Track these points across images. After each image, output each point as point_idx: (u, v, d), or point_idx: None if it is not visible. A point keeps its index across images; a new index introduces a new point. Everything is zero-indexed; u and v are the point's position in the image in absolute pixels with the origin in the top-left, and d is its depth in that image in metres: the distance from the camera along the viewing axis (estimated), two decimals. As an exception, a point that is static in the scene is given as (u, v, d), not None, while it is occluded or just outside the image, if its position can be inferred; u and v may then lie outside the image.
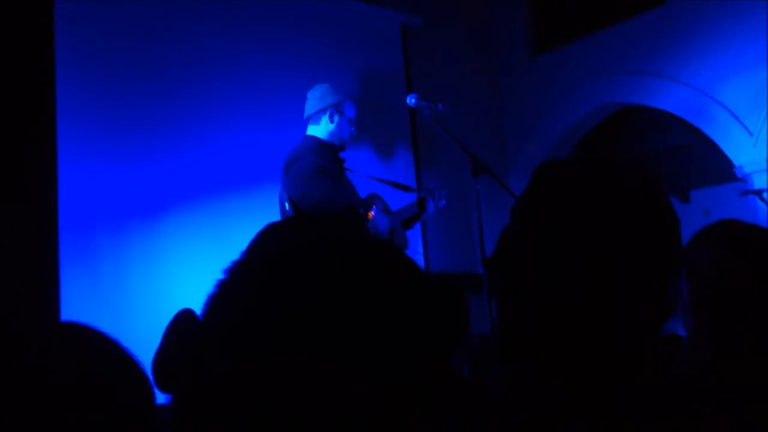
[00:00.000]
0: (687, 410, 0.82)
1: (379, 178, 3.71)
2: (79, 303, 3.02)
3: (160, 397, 0.63)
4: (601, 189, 0.87)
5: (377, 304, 0.58)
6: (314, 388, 0.53)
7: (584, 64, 5.06)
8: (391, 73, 4.59)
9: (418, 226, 4.22)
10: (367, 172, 3.70)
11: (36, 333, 0.72)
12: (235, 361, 0.56)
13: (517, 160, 5.37)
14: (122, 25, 3.46)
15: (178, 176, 3.53)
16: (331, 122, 3.39)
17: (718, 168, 5.11)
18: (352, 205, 3.17)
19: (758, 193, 4.21)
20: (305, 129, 3.46)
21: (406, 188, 3.76)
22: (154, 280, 3.30)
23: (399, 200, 3.67)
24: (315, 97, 3.45)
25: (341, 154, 3.45)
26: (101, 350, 0.73)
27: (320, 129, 3.40)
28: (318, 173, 3.18)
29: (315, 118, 3.42)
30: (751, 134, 4.31)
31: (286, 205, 3.21)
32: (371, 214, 3.25)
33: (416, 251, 4.34)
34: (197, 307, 0.62)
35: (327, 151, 3.34)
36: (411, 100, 3.27)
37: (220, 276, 0.61)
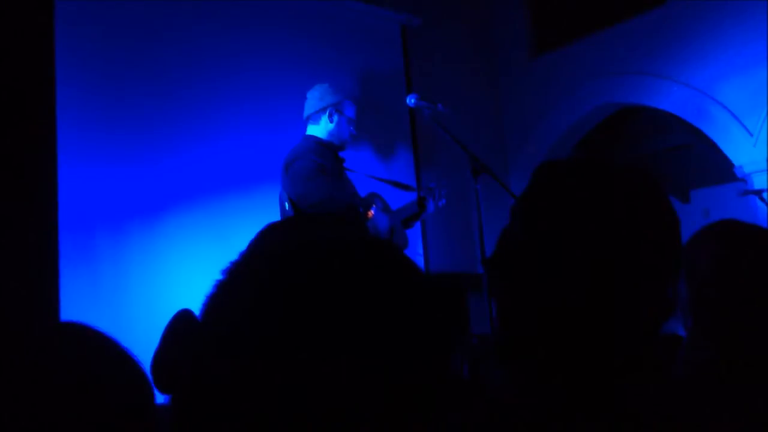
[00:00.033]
0: (687, 410, 0.82)
1: (379, 178, 3.71)
2: (78, 303, 3.02)
3: (160, 398, 0.63)
4: (601, 189, 0.87)
5: (377, 303, 0.58)
6: (314, 388, 0.53)
7: (584, 64, 5.06)
8: (391, 73, 4.59)
9: (418, 226, 4.22)
10: (367, 172, 3.70)
11: (36, 333, 0.72)
12: (234, 361, 0.56)
13: (517, 160, 5.37)
14: (122, 25, 3.46)
15: (178, 176, 3.52)
16: (331, 122, 3.39)
17: (718, 168, 5.11)
18: (352, 204, 3.17)
19: (758, 193, 4.21)
20: (305, 129, 3.46)
21: (406, 187, 3.76)
22: (154, 280, 3.30)
23: (399, 200, 3.67)
24: (314, 97, 3.45)
25: (341, 154, 3.45)
26: (101, 350, 0.73)
27: (320, 129, 3.40)
28: (318, 172, 3.18)
29: (314, 117, 3.42)
30: (750, 134, 4.31)
31: (286, 204, 3.21)
32: (371, 213, 3.26)
33: (416, 251, 4.34)
34: (197, 307, 0.62)
35: (327, 150, 3.34)
36: (411, 100, 3.27)
37: (219, 276, 0.61)
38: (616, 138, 5.67)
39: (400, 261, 0.63)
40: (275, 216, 3.25)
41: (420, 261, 4.45)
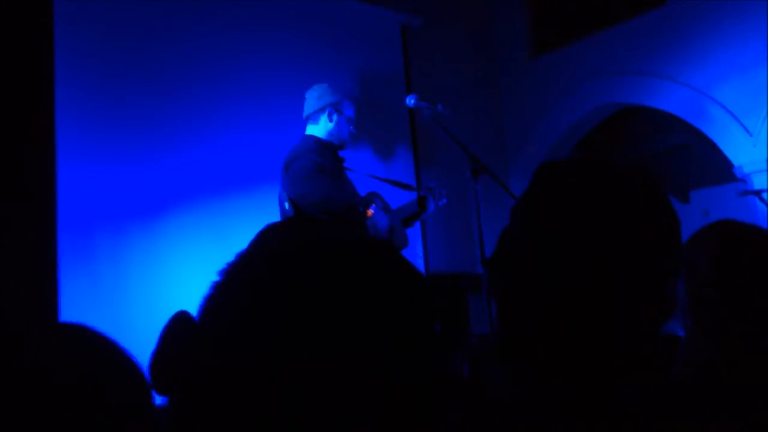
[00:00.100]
0: (687, 410, 0.82)
1: (379, 177, 3.71)
2: (78, 303, 3.02)
3: (158, 399, 0.63)
4: (601, 189, 0.87)
5: (377, 304, 0.58)
6: (314, 388, 0.53)
7: (584, 64, 5.06)
8: (391, 73, 4.59)
9: (417, 226, 4.22)
10: (367, 172, 3.70)
11: (34, 333, 0.72)
12: (233, 361, 0.56)
13: (516, 160, 5.37)
14: (122, 25, 3.46)
15: (178, 176, 3.52)
16: (330, 121, 3.39)
17: (718, 168, 5.11)
18: (352, 203, 3.17)
19: (758, 193, 4.21)
20: (304, 129, 3.46)
21: (406, 187, 3.76)
22: (154, 280, 3.30)
23: (399, 199, 3.67)
24: (313, 97, 3.45)
25: (341, 154, 3.45)
26: (99, 351, 0.73)
27: (319, 128, 3.40)
28: (317, 172, 3.18)
29: (314, 117, 3.42)
30: (750, 134, 4.31)
31: (286, 204, 3.21)
32: (370, 211, 3.26)
33: (416, 251, 4.34)
34: (197, 307, 0.62)
35: (326, 150, 3.34)
36: (410, 101, 3.28)
37: (216, 277, 0.61)
38: (616, 138, 5.67)
39: (399, 261, 0.63)
40: (275, 216, 3.25)
41: (420, 261, 4.46)
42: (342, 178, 3.40)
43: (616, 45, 4.90)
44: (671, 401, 0.81)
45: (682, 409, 0.82)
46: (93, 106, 3.33)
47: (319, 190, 3.12)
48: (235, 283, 0.60)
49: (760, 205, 4.22)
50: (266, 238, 1.13)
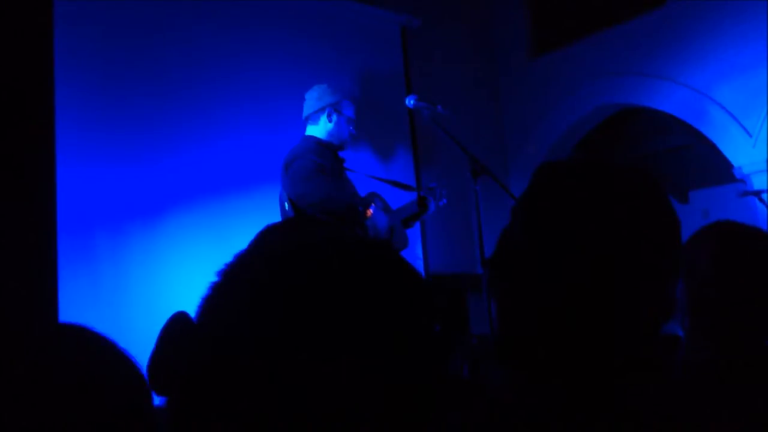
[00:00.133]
0: (687, 410, 0.82)
1: (379, 177, 3.71)
2: (78, 303, 3.02)
3: (157, 399, 0.63)
4: (601, 190, 0.87)
5: (376, 304, 0.58)
6: (314, 388, 0.53)
7: (584, 65, 5.06)
8: (390, 73, 4.59)
9: (417, 227, 4.22)
10: (367, 172, 3.71)
11: (34, 333, 0.72)
12: (232, 361, 0.56)
13: (516, 161, 5.37)
14: (122, 25, 3.46)
15: (178, 176, 3.52)
16: (330, 121, 3.39)
17: (718, 169, 5.11)
18: (352, 204, 3.17)
19: (757, 194, 4.21)
20: (304, 129, 3.46)
21: (406, 187, 3.76)
22: (154, 280, 3.30)
23: (399, 199, 3.67)
24: (313, 98, 3.46)
25: (341, 154, 3.45)
26: (99, 351, 0.73)
27: (319, 129, 3.40)
28: (317, 172, 3.18)
29: (313, 118, 3.43)
30: (750, 135, 4.31)
31: (286, 204, 3.21)
32: (370, 211, 3.26)
33: (416, 252, 4.34)
34: (196, 308, 0.62)
35: (326, 150, 3.34)
36: (410, 101, 3.28)
37: (214, 278, 0.61)
38: (616, 138, 5.67)
39: (398, 262, 0.63)
40: (275, 216, 3.25)
41: (419, 261, 4.46)
42: (342, 178, 3.40)
43: (616, 45, 4.90)
44: (671, 401, 0.81)
45: (682, 409, 0.82)
46: (93, 106, 3.33)
47: (318, 191, 3.12)
48: (234, 283, 0.60)
49: (760, 206, 4.22)
50: (266, 238, 1.14)
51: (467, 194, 3.21)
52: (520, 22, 5.48)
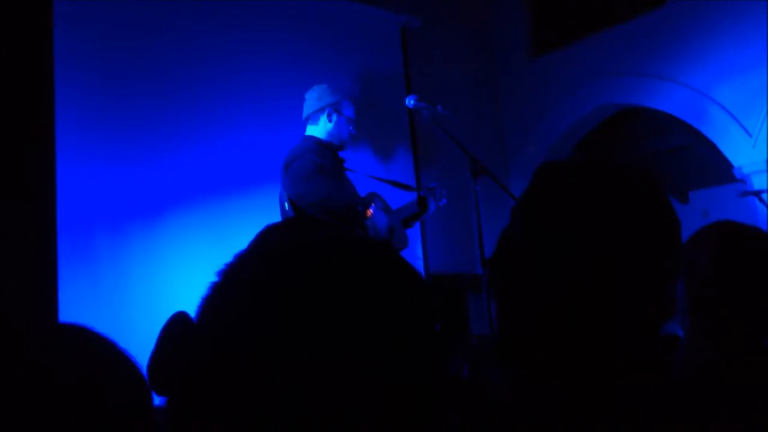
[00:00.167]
0: (687, 410, 0.82)
1: (379, 177, 3.71)
2: (78, 303, 3.02)
3: (157, 399, 0.63)
4: (601, 190, 0.87)
5: (376, 304, 0.58)
6: (314, 388, 0.53)
7: (584, 65, 5.06)
8: (390, 73, 4.59)
9: (417, 227, 4.22)
10: (367, 172, 3.71)
11: (34, 333, 0.72)
12: (232, 361, 0.56)
13: (516, 161, 5.37)
14: (122, 25, 3.46)
15: (178, 176, 3.52)
16: (330, 121, 3.39)
17: (717, 169, 5.11)
18: (351, 203, 3.17)
19: (757, 194, 4.21)
20: (304, 130, 3.46)
21: (406, 187, 3.76)
22: (154, 280, 3.30)
23: (399, 199, 3.67)
24: (313, 98, 3.46)
25: (341, 154, 3.45)
26: (99, 351, 0.73)
27: (319, 129, 3.40)
28: (317, 172, 3.18)
29: (313, 118, 3.43)
30: (750, 135, 4.31)
31: (286, 205, 3.21)
32: (369, 211, 3.26)
33: (416, 252, 4.34)
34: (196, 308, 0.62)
35: (326, 150, 3.34)
36: (410, 102, 3.28)
37: (214, 278, 0.61)
38: (616, 138, 5.67)
39: (398, 262, 0.63)
40: (275, 216, 3.25)
41: (419, 261, 4.46)
42: (342, 178, 3.40)
43: (616, 45, 4.90)
44: (671, 401, 0.81)
45: (682, 409, 0.82)
46: (93, 106, 3.33)
47: (318, 191, 3.12)
48: (234, 283, 0.60)
49: (760, 206, 4.22)
50: (266, 238, 1.13)
51: (467, 194, 3.21)
52: (520, 22, 5.48)
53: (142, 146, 3.44)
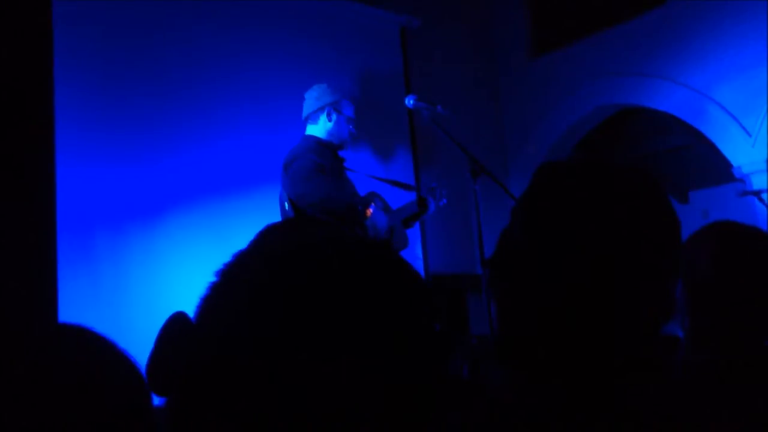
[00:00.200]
0: (687, 410, 0.82)
1: (379, 177, 3.71)
2: (78, 303, 3.02)
3: (157, 399, 0.63)
4: (601, 190, 0.87)
5: (376, 304, 0.58)
6: (314, 388, 0.53)
7: (584, 65, 5.06)
8: (390, 73, 4.59)
9: (417, 227, 4.22)
10: (367, 172, 3.71)
11: (34, 333, 0.72)
12: (232, 361, 0.56)
13: (516, 161, 5.37)
14: (122, 25, 3.46)
15: (178, 176, 3.52)
16: (329, 121, 3.39)
17: (717, 169, 5.11)
18: (351, 203, 3.17)
19: (757, 193, 4.21)
20: (304, 130, 3.46)
21: (406, 187, 3.76)
22: (154, 280, 3.30)
23: (399, 199, 3.67)
24: (312, 97, 3.46)
25: (341, 154, 3.45)
26: (99, 351, 0.73)
27: (319, 128, 3.40)
28: (316, 172, 3.18)
29: (313, 117, 3.43)
30: (749, 135, 4.31)
31: (286, 204, 3.21)
32: (369, 211, 3.26)
33: (416, 252, 4.34)
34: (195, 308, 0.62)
35: (326, 150, 3.35)
36: (409, 102, 3.28)
37: (213, 278, 0.61)
38: (616, 138, 5.67)
39: (398, 262, 0.63)
40: (275, 216, 3.26)
41: (419, 262, 4.46)
42: (342, 178, 3.40)
43: (616, 45, 4.90)
44: (671, 401, 0.81)
45: (682, 409, 0.82)
46: (93, 106, 3.33)
47: (318, 190, 3.12)
48: (233, 283, 0.60)
49: (760, 206, 4.22)
50: (266, 238, 1.13)
51: (467, 194, 3.21)
52: (520, 22, 5.48)
53: (142, 146, 3.44)
